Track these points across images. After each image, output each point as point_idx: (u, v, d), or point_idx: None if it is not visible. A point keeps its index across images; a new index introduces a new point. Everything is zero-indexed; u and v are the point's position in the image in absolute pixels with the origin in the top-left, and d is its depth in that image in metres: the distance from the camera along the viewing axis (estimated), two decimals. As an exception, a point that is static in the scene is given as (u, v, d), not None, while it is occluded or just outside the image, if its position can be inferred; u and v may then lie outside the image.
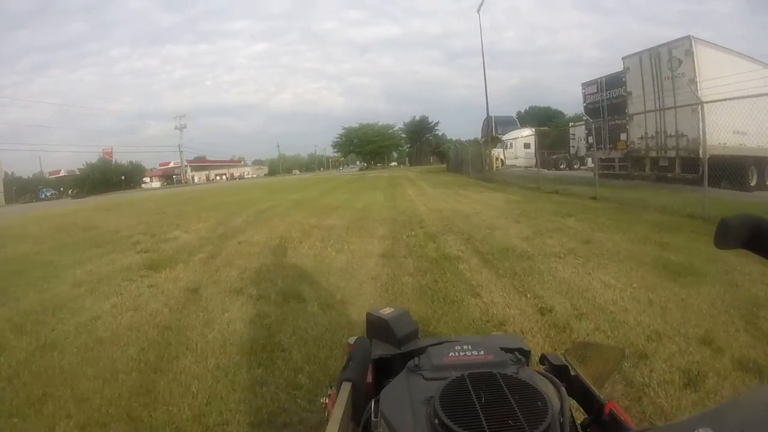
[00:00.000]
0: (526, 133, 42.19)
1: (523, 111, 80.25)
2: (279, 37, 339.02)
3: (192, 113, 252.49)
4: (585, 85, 22.79)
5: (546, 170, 34.66)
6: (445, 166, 56.84)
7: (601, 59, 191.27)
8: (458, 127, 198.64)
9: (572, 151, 38.24)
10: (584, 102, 22.92)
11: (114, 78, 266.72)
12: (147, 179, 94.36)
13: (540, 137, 42.18)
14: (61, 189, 72.19)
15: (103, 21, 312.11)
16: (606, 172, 20.63)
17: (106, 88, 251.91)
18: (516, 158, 38.82)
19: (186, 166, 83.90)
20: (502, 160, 34.76)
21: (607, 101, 21.05)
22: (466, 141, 45.19)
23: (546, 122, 61.28)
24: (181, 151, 79.16)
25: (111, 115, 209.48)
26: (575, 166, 35.49)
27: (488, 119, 39.48)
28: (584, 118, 23.21)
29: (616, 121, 19.84)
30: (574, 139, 38.75)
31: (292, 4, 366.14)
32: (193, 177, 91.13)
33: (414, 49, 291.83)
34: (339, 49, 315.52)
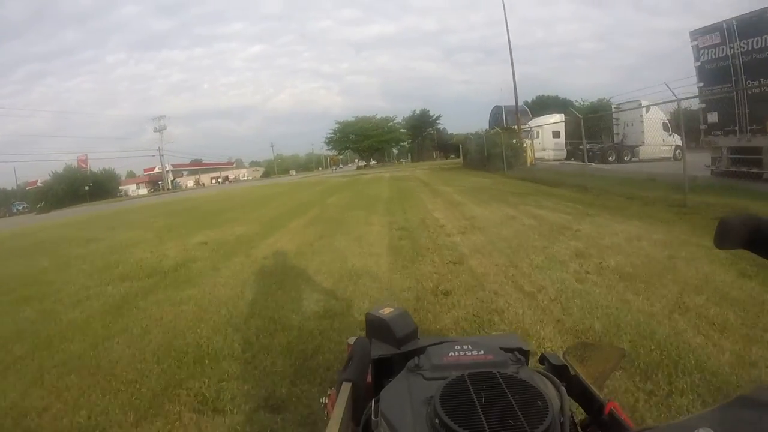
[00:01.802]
0: (555, 120, 34.28)
1: (530, 101, 72.25)
2: (274, 38, 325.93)
3: (190, 117, 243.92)
4: (696, 34, 14.09)
5: (593, 164, 26.72)
6: (454, 161, 48.66)
7: (599, 51, 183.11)
8: (458, 121, 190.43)
9: (617, 139, 30.24)
10: (697, 60, 14.25)
11: (109, 85, 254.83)
12: (134, 186, 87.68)
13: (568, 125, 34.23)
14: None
15: (98, 28, 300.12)
16: (740, 169, 12.45)
17: (100, 95, 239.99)
18: (543, 149, 31.07)
19: (168, 171, 75.18)
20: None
21: (744, 56, 12.63)
22: (472, 133, 36.72)
23: (558, 111, 52.86)
24: (161, 155, 70.49)
25: (107, 122, 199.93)
26: (626, 158, 27.71)
27: (515, 107, 31.61)
28: (697, 85, 14.42)
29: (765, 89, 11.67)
30: (618, 125, 30.89)
31: (286, 4, 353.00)
32: (173, 182, 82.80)
33: (410, 46, 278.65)
34: (335, 48, 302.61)
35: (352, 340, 1.06)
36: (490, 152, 24.12)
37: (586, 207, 8.87)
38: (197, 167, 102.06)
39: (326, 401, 1.18)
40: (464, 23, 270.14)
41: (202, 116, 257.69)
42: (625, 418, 0.78)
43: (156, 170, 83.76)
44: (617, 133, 30.43)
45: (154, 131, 74.11)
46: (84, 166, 75.05)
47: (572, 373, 0.90)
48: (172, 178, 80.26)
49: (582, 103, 57.26)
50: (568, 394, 0.77)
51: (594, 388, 0.85)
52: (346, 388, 0.88)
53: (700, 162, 16.33)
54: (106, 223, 16.74)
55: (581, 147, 35.77)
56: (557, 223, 7.29)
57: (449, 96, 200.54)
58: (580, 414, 0.85)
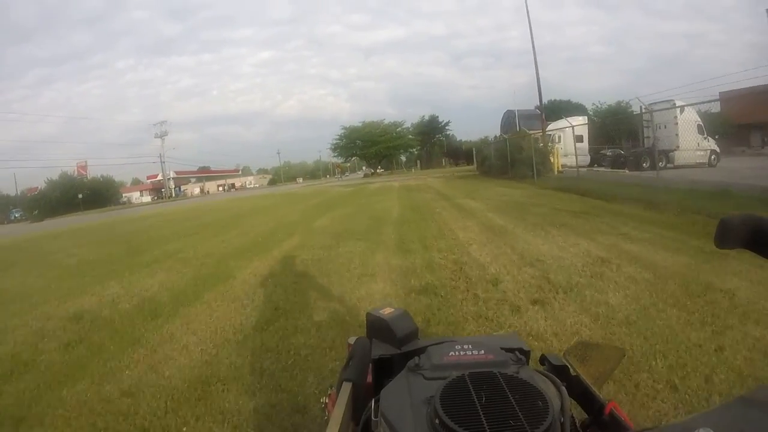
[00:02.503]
0: (578, 122, 31.46)
1: (537, 106, 68.90)
2: (284, 43, 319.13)
3: (199, 123, 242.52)
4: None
5: (627, 171, 23.84)
6: (466, 168, 45.55)
7: (607, 54, 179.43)
8: (466, 127, 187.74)
9: (647, 143, 25.85)
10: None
11: (118, 90, 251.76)
12: (138, 193, 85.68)
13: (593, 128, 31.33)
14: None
15: (106, 32, 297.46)
16: None
17: (108, 100, 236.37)
18: (566, 155, 28.28)
19: (169, 178, 72.74)
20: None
21: None
22: (490, 137, 33.74)
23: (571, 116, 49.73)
24: (162, 162, 67.95)
25: (115, 127, 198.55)
26: (660, 164, 24.77)
27: (540, 107, 28.82)
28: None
29: None
30: (649, 127, 27.83)
31: (295, 9, 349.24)
32: (176, 189, 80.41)
33: (419, 51, 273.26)
34: (344, 53, 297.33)
35: (352, 340, 1.06)
36: (514, 158, 21.17)
37: (688, 237, 5.94)
38: (202, 174, 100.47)
39: (326, 401, 1.15)
40: (473, 27, 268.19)
41: (210, 122, 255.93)
42: (626, 418, 0.78)
43: (159, 177, 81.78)
44: (647, 137, 27.62)
45: (155, 137, 71.71)
46: (83, 172, 72.84)
47: (573, 373, 0.89)
48: (173, 186, 77.78)
49: (599, 106, 53.95)
50: (569, 395, 0.76)
51: (594, 389, 0.85)
52: (347, 388, 0.88)
53: (740, 168, 13.39)
54: (26, 252, 13.57)
55: (602, 152, 32.92)
56: (680, 274, 4.33)
57: (457, 101, 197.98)
58: (580, 414, 0.83)
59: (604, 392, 0.85)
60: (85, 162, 74.67)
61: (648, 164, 24.70)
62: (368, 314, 1.06)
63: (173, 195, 77.82)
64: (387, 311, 1.04)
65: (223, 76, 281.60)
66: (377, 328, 1.02)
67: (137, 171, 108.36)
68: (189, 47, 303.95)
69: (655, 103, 27.32)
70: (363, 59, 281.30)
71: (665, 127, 25.71)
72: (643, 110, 28.21)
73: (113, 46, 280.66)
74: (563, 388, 0.75)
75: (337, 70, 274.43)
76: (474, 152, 46.79)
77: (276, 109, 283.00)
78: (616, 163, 26.04)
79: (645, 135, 27.20)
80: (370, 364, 0.95)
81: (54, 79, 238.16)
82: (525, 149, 19.93)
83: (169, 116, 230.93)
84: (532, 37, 25.85)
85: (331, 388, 1.07)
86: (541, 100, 25.57)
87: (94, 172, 74.42)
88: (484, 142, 31.53)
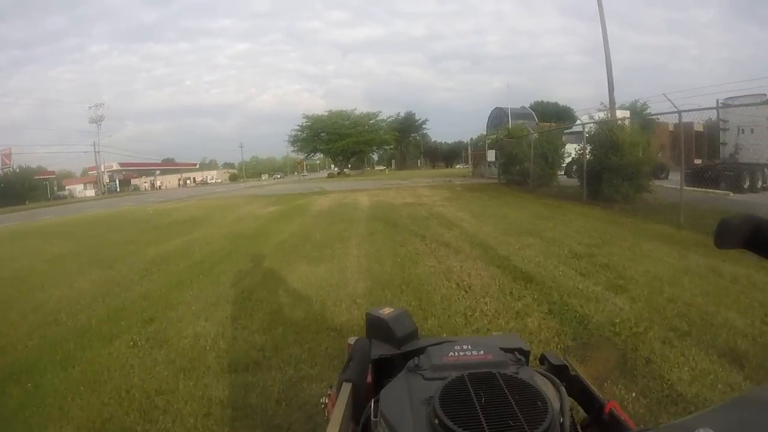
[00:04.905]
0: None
1: (527, 107, 61.01)
2: (261, 36, 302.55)
3: (171, 113, 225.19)
4: None
5: (731, 194, 14.68)
6: (453, 171, 35.47)
7: (585, 64, 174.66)
8: (441, 129, 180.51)
9: (723, 152, 17.76)
10: None
11: (89, 76, 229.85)
12: (81, 186, 73.07)
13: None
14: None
15: (80, 16, 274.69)
16: None
17: (80, 86, 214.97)
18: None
19: (103, 172, 60.04)
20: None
21: None
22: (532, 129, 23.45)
23: (558, 119, 41.33)
24: (97, 152, 55.17)
25: (84, 116, 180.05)
26: (759, 185, 16.31)
27: (610, 97, 18.66)
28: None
29: None
30: (727, 130, 18.11)
31: (276, 2, 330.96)
32: (111, 184, 67.80)
33: (397, 51, 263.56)
34: (322, 49, 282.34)
35: (352, 340, 1.02)
36: (601, 166, 10.61)
37: None
38: (159, 167, 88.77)
39: (326, 401, 1.07)
40: (452, 30, 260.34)
41: (182, 113, 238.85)
42: (626, 417, 0.75)
43: (106, 168, 68.91)
44: (723, 143, 18.50)
45: (90, 122, 58.53)
46: (7, 161, 59.70)
47: (572, 372, 0.86)
48: (108, 180, 65.14)
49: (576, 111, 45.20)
50: (569, 394, 0.74)
51: (594, 388, 0.82)
52: (346, 388, 0.85)
53: None
54: None
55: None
56: None
57: (433, 103, 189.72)
58: (580, 414, 0.81)
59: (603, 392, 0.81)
60: (9, 149, 61.40)
61: (748, 184, 15.81)
62: (368, 314, 1.01)
63: (116, 189, 65.64)
64: (387, 311, 0.98)
65: (198, 67, 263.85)
66: (377, 328, 0.97)
67: (88, 161, 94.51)
68: (165, 35, 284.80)
69: (736, 97, 18.20)
70: (341, 56, 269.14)
71: (752, 131, 16.97)
72: (720, 105, 18.81)
73: (86, 30, 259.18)
74: (562, 388, 0.72)
75: (314, 66, 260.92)
76: (469, 151, 37.07)
77: (250, 102, 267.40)
78: (700, 179, 16.53)
79: (721, 141, 18.06)
80: (370, 365, 0.91)
81: (23, 63, 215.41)
82: (627, 152, 9.79)
83: (140, 105, 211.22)
84: (604, 30, 16.05)
85: (331, 389, 1.01)
86: (612, 100, 15.99)
87: (39, 160, 61.97)
88: (517, 133, 20.16)
